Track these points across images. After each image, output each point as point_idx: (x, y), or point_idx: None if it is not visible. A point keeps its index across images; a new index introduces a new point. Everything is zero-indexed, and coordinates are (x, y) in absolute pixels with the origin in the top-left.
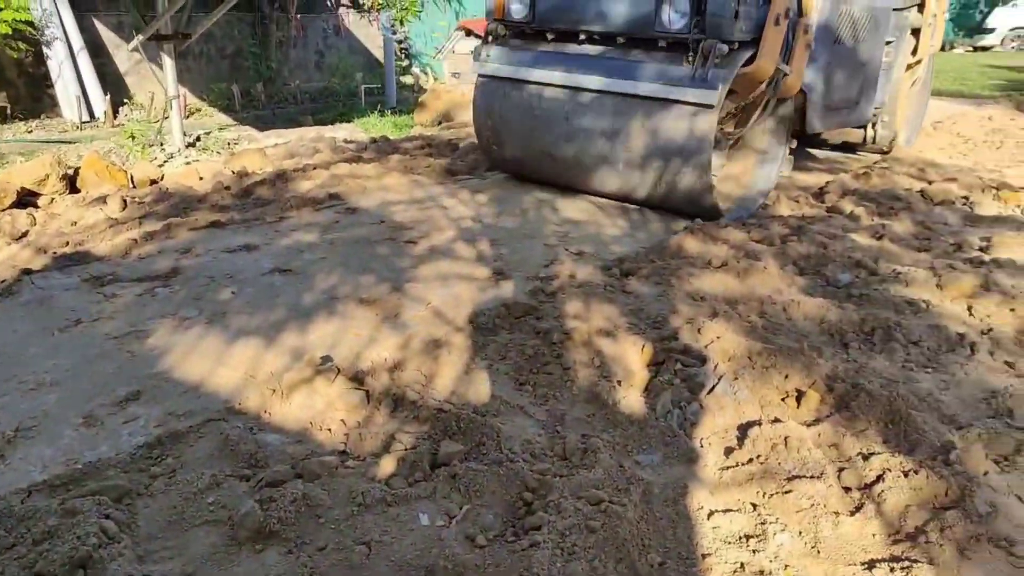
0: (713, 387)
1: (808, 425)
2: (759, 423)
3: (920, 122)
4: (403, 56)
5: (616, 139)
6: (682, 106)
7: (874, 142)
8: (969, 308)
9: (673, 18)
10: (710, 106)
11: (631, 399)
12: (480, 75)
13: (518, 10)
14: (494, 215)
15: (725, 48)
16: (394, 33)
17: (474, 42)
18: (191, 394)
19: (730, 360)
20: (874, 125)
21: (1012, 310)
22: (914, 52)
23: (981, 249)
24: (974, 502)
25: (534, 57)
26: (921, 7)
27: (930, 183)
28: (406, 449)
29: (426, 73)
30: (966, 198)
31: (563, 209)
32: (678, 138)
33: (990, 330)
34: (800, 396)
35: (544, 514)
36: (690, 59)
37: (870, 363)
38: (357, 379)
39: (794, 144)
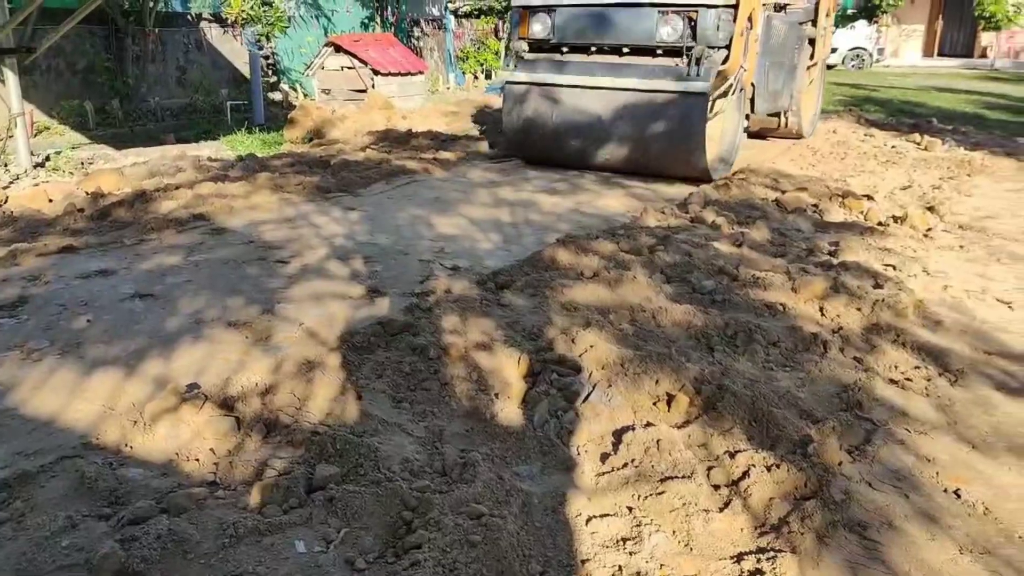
0: (588, 395)
1: (679, 427)
2: (633, 428)
3: (816, 114)
4: (270, 72)
5: (630, 123)
6: (683, 95)
7: (787, 127)
8: (821, 309)
9: (669, 32)
10: (704, 94)
11: (509, 411)
12: (508, 82)
13: (539, 30)
14: (368, 232)
15: (711, 52)
16: (260, 48)
17: (343, 59)
18: (42, 431)
19: (604, 368)
20: (787, 114)
21: (859, 309)
22: (811, 57)
23: (830, 253)
24: (830, 491)
25: (556, 65)
26: (815, 22)
27: (783, 193)
28: (279, 475)
29: (295, 89)
30: (816, 206)
31: (437, 225)
32: (680, 119)
33: (840, 329)
34: (670, 399)
35: (424, 532)
36: (684, 61)
37: (734, 365)
38: (226, 405)
39: (747, 123)
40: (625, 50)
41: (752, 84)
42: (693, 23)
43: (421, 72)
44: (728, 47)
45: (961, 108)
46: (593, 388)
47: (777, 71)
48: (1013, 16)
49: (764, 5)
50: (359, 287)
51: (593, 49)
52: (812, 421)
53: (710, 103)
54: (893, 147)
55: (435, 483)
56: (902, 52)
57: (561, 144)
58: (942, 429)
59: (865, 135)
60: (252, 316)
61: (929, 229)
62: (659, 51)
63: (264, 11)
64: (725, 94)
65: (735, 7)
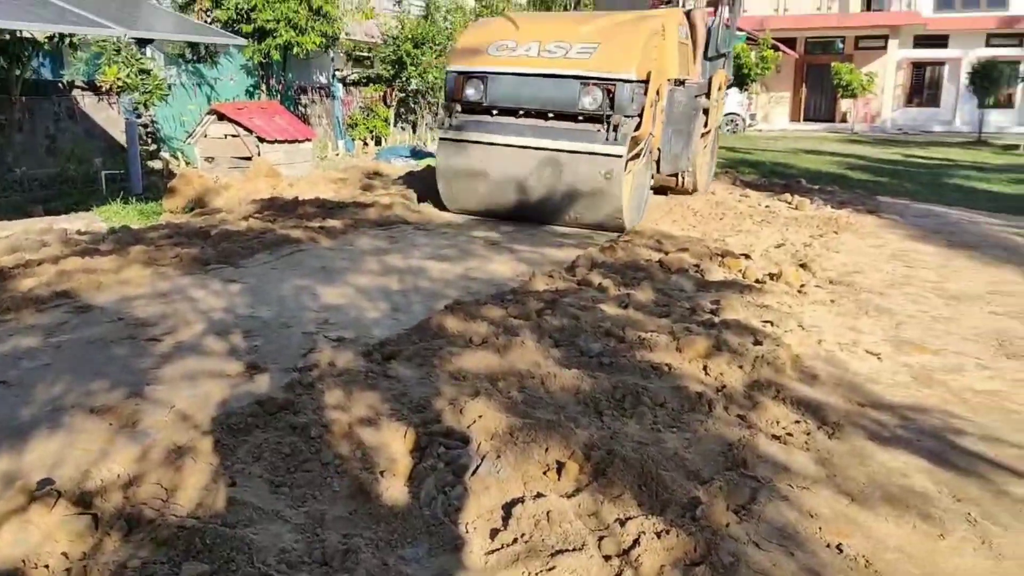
0: (477, 468)
1: (569, 496)
2: (522, 500)
3: (711, 174)
4: (150, 140)
5: (555, 179)
6: (601, 157)
7: (684, 185)
8: (705, 367)
9: (590, 101)
10: (620, 156)
11: (395, 490)
12: (443, 139)
13: (473, 94)
14: (248, 305)
15: (626, 120)
16: (139, 116)
17: (227, 127)
18: None
19: (493, 438)
20: (685, 174)
21: (740, 366)
22: (705, 125)
23: (712, 312)
24: (719, 555)
25: (488, 126)
26: (708, 94)
27: (667, 253)
28: None
29: (176, 158)
30: (697, 266)
31: (323, 295)
32: (599, 178)
33: (723, 387)
34: (560, 468)
35: None
36: (602, 128)
37: (623, 428)
38: (83, 502)
39: (653, 180)
40: (550, 115)
41: (658, 148)
42: (611, 95)
43: (309, 139)
44: (640, 116)
45: (827, 169)
46: (482, 460)
47: (678, 137)
48: (867, 85)
49: (668, 81)
50: (237, 364)
51: (521, 112)
52: (700, 482)
53: (625, 164)
54: (767, 207)
55: (314, 574)
56: (772, 117)
57: (493, 197)
58: (822, 483)
59: (741, 196)
60: (117, 400)
61: (802, 285)
62: (580, 117)
63: (142, 79)
64: (637, 156)
65: (646, 82)
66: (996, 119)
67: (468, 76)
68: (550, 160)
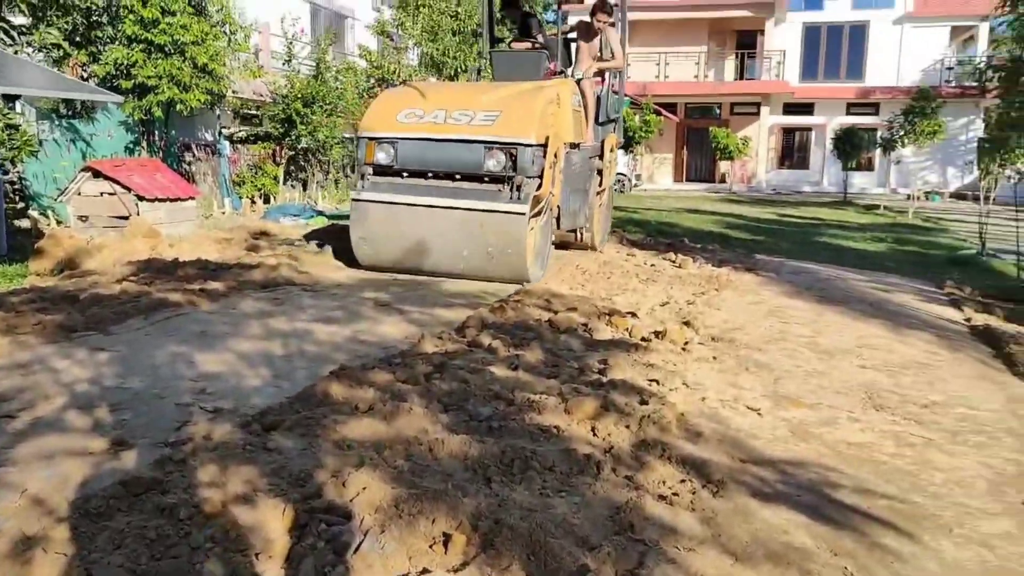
0: (359, 545)
1: (456, 571)
2: None
3: (607, 231)
4: (17, 198)
5: (463, 236)
6: (506, 215)
7: (583, 240)
8: (593, 429)
9: (494, 164)
10: (523, 214)
11: (270, 573)
12: (355, 199)
13: (383, 157)
14: (118, 375)
15: (528, 180)
16: (5, 173)
17: (103, 184)
18: None
19: (377, 511)
20: (583, 230)
21: (627, 426)
22: (600, 184)
23: (600, 372)
24: None
25: (398, 187)
26: (601, 156)
27: (556, 313)
28: None
29: (47, 216)
30: (585, 325)
31: (201, 362)
32: (504, 235)
33: (611, 448)
34: (447, 540)
35: None
36: (506, 188)
37: (511, 495)
38: None
39: (554, 236)
40: (457, 176)
41: (558, 206)
42: (513, 158)
43: (192, 197)
44: (540, 176)
45: (708, 228)
46: (365, 536)
47: (575, 195)
48: (742, 148)
49: (564, 144)
50: (102, 440)
51: (430, 175)
52: (589, 548)
53: (528, 221)
54: (652, 265)
55: None
56: (656, 177)
57: (405, 254)
58: (708, 543)
59: (628, 255)
60: None
61: (686, 343)
62: (486, 178)
63: (9, 135)
64: (539, 214)
65: (544, 146)
66: (859, 181)
67: (379, 141)
68: (458, 218)
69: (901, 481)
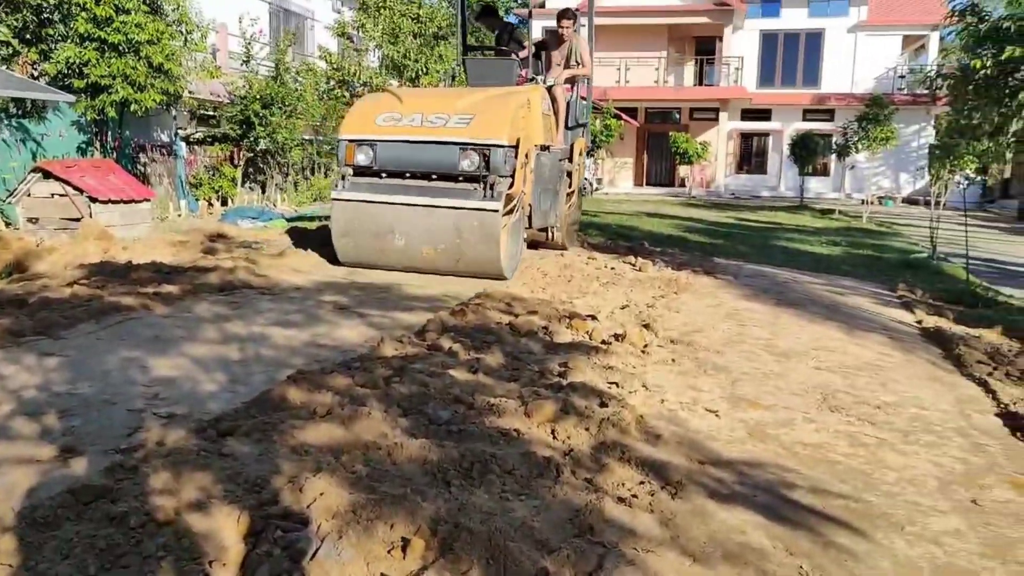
0: (316, 551)
1: None
2: None
3: (575, 232)
4: None
5: (439, 233)
6: (480, 212)
7: (553, 239)
8: (553, 431)
9: (468, 164)
10: (497, 211)
11: None
12: (335, 198)
13: (363, 159)
14: (67, 381)
15: (501, 180)
16: None
17: (54, 185)
18: None
19: (334, 517)
20: (553, 229)
21: (587, 429)
22: (569, 186)
23: (560, 375)
24: None
25: (378, 187)
26: (570, 159)
27: (516, 316)
28: None
29: None
30: (546, 328)
31: (154, 367)
32: (478, 231)
33: (571, 450)
34: (406, 545)
35: None
36: (480, 187)
37: (471, 499)
38: None
39: (526, 234)
40: (433, 176)
41: (529, 204)
42: (487, 158)
43: (147, 199)
44: (512, 176)
45: (668, 232)
46: (322, 542)
47: (546, 195)
48: (702, 152)
49: (535, 146)
50: (50, 447)
51: (408, 175)
52: (548, 551)
53: (501, 218)
54: (613, 268)
55: None
56: (617, 181)
57: (384, 251)
58: (666, 544)
59: (588, 258)
60: None
61: (646, 345)
62: (461, 178)
63: None
64: (511, 212)
65: (516, 147)
66: (815, 185)
67: (359, 143)
68: (435, 216)
69: (855, 480)
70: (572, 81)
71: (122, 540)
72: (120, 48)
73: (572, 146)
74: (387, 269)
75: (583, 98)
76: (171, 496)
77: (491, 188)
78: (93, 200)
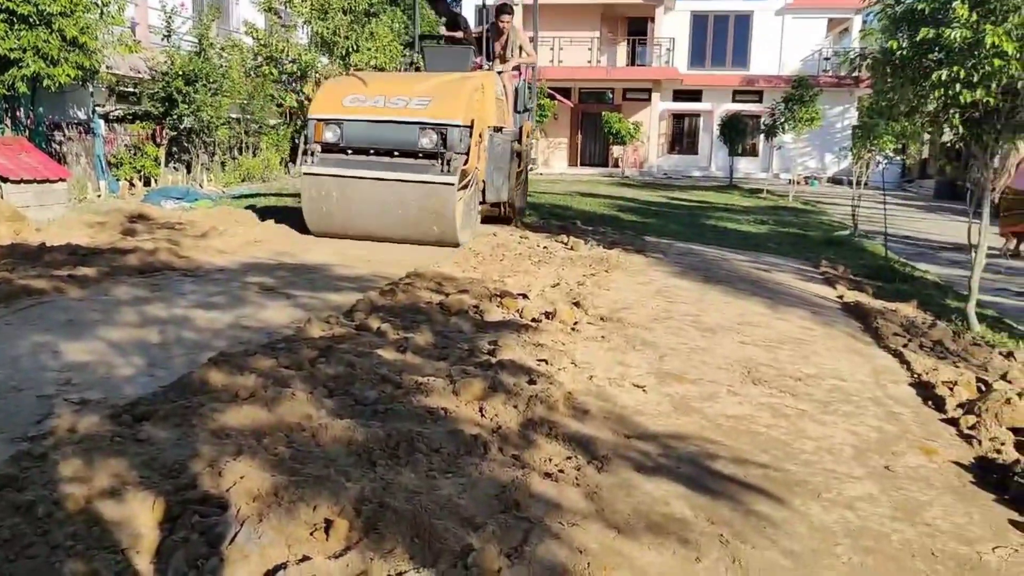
0: (235, 535)
1: (337, 556)
2: (285, 566)
3: (524, 207)
4: None
5: (401, 205)
6: (437, 185)
7: (505, 214)
8: (481, 410)
9: (427, 142)
10: (452, 184)
11: (140, 568)
12: (306, 173)
13: (331, 136)
14: None
15: (457, 156)
16: None
17: None
18: None
19: (255, 500)
20: (505, 205)
21: (515, 406)
22: (519, 165)
23: (489, 353)
24: None
25: (345, 162)
26: (519, 140)
27: (447, 295)
28: None
29: None
30: (476, 307)
31: (67, 352)
32: (436, 202)
33: (499, 428)
34: (329, 526)
35: None
36: (438, 163)
37: (397, 478)
38: None
39: (480, 208)
40: (395, 153)
41: (483, 180)
42: (444, 137)
43: (63, 179)
44: (467, 153)
45: (600, 211)
46: (241, 526)
47: (498, 172)
48: (634, 133)
49: (488, 127)
50: None
51: (372, 151)
52: (474, 528)
53: (457, 191)
54: (545, 248)
55: None
56: (552, 162)
57: (350, 221)
58: (591, 517)
59: (521, 237)
60: None
61: (576, 323)
62: (420, 154)
63: None
64: (466, 186)
65: (471, 127)
66: (744, 166)
67: (327, 122)
68: (397, 189)
69: (775, 450)
70: (519, 69)
71: (28, 530)
72: (30, 20)
73: (520, 128)
74: (353, 238)
75: (529, 85)
76: (82, 484)
77: (448, 164)
78: (4, 180)
